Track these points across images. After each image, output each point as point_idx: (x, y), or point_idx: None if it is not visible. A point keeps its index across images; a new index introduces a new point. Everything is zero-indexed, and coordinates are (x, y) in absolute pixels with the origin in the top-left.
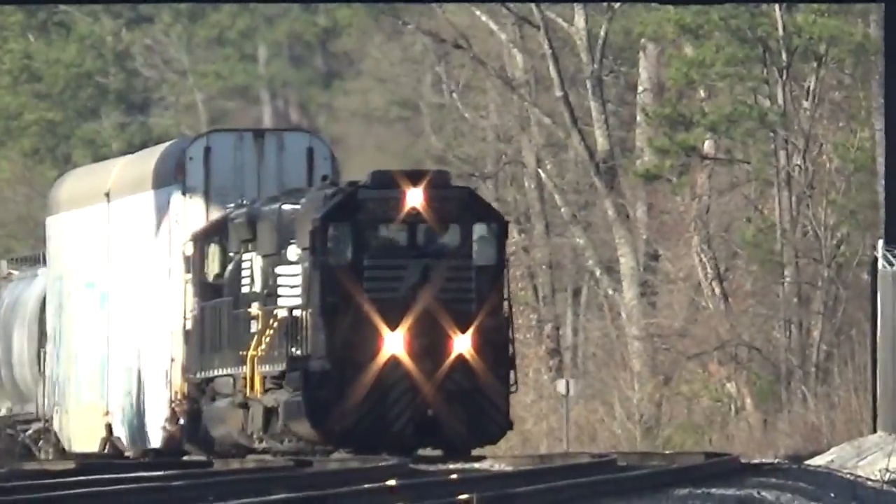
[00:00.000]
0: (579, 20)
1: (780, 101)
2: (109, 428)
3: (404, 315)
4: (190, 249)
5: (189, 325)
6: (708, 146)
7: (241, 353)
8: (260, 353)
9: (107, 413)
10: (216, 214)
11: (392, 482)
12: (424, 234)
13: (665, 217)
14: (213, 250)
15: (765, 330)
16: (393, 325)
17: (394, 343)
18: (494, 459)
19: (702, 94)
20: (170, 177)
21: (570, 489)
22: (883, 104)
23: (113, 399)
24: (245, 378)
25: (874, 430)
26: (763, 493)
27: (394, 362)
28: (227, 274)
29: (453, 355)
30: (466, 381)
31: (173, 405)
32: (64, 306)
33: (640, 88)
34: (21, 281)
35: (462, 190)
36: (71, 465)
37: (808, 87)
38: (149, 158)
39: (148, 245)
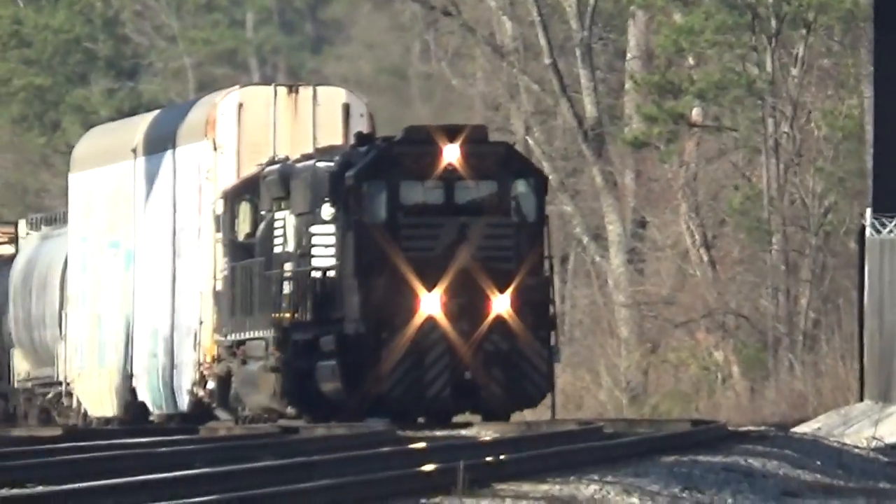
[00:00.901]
0: None
1: (769, 68)
2: (134, 392)
3: (441, 275)
4: (220, 208)
5: (219, 286)
6: (696, 114)
7: (273, 315)
8: (293, 316)
9: (131, 376)
10: (248, 171)
11: (422, 444)
12: (462, 191)
13: (653, 184)
14: (245, 209)
15: (752, 298)
16: (430, 286)
17: (430, 304)
18: (481, 426)
19: (690, 61)
20: (200, 132)
21: (558, 456)
22: (872, 71)
23: (138, 362)
24: (277, 341)
25: (861, 399)
26: (749, 461)
27: (430, 324)
28: (258, 233)
29: (492, 316)
30: (505, 343)
31: (202, 368)
32: (87, 267)
33: (628, 56)
34: (40, 241)
35: (500, 145)
36: (58, 431)
37: (797, 55)
38: (178, 113)
39: (176, 203)
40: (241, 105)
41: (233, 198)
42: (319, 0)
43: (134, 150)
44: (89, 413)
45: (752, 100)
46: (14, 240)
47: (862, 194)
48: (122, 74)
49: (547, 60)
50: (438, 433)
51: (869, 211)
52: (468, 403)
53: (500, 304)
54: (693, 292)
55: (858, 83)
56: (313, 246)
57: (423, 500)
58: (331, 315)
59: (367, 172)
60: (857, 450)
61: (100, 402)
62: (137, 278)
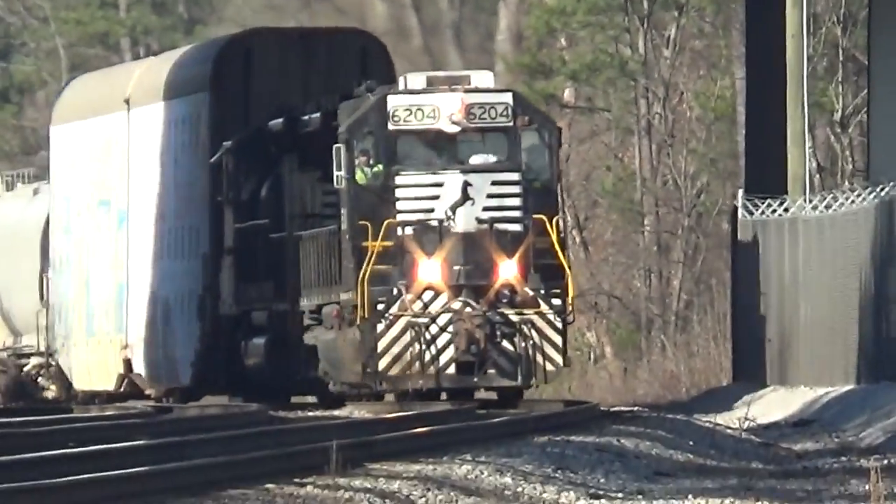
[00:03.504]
0: None
1: (641, 49)
2: (128, 364)
3: (442, 239)
4: (224, 163)
5: (223, 249)
6: (568, 94)
7: (279, 283)
8: (300, 285)
9: (125, 347)
10: (255, 124)
11: (423, 429)
12: (465, 145)
13: None
14: (250, 165)
15: (625, 279)
16: (430, 251)
17: (430, 271)
18: (355, 406)
19: (562, 42)
20: (203, 81)
21: (430, 437)
22: (744, 52)
23: (133, 331)
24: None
25: (733, 379)
26: (622, 441)
27: (431, 294)
28: (264, 192)
29: (499, 283)
30: (515, 313)
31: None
32: (72, 227)
33: (499, 37)
34: (14, 201)
35: (506, 93)
36: None
37: (669, 36)
38: (178, 60)
39: (175, 158)
40: (249, 52)
41: (237, 153)
42: None
43: (126, 101)
44: (74, 386)
45: (624, 81)
46: None
47: (734, 175)
48: None
49: (418, 42)
50: (311, 413)
51: (741, 192)
52: (475, 381)
53: (508, 270)
54: None
55: (730, 64)
56: (323, 206)
57: (295, 480)
58: (334, 283)
59: (359, 126)
60: (729, 430)
61: (88, 374)
62: (131, 240)
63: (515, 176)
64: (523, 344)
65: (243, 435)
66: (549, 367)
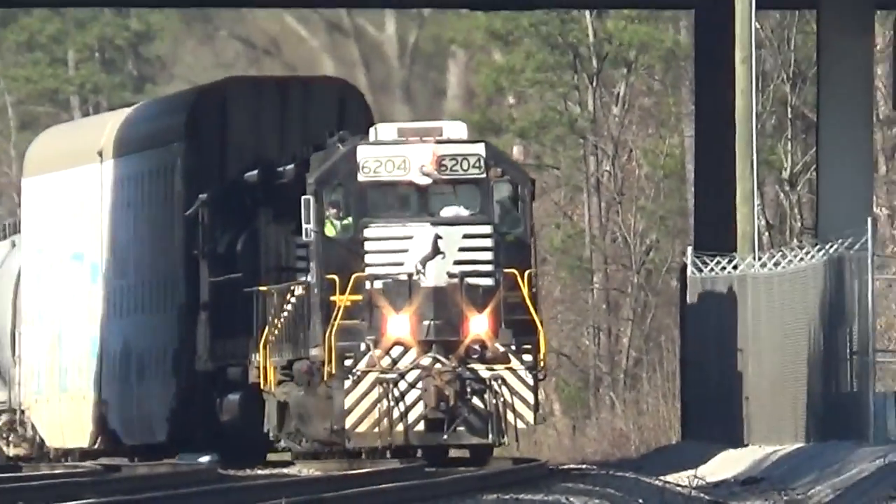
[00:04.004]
0: (389, 27)
1: (590, 107)
2: (103, 420)
3: (412, 293)
4: (199, 216)
5: (198, 304)
6: (517, 152)
7: (253, 338)
8: (271, 340)
9: (99, 402)
10: (231, 175)
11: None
12: (436, 198)
13: None
14: (226, 217)
15: (573, 336)
16: (399, 306)
17: (399, 326)
18: (303, 464)
19: (511, 100)
20: (178, 131)
21: (379, 494)
22: (693, 110)
23: (107, 387)
24: (258, 368)
25: (682, 437)
26: (571, 499)
27: (399, 349)
28: (240, 245)
29: (469, 338)
30: (485, 369)
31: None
32: (45, 281)
33: (448, 95)
34: None
35: (479, 144)
36: None
37: (618, 94)
38: (152, 111)
39: (149, 210)
40: (224, 101)
41: (213, 205)
42: (142, 37)
43: (100, 153)
44: (47, 443)
45: (573, 138)
46: None
47: (683, 233)
48: None
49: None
50: (261, 471)
51: (690, 249)
52: (445, 438)
53: (479, 325)
54: None
55: (679, 122)
56: (297, 259)
57: None
58: (304, 338)
59: (328, 178)
60: (678, 488)
61: (61, 431)
62: (105, 293)
63: (487, 229)
64: (494, 401)
65: (192, 493)
66: (520, 424)
